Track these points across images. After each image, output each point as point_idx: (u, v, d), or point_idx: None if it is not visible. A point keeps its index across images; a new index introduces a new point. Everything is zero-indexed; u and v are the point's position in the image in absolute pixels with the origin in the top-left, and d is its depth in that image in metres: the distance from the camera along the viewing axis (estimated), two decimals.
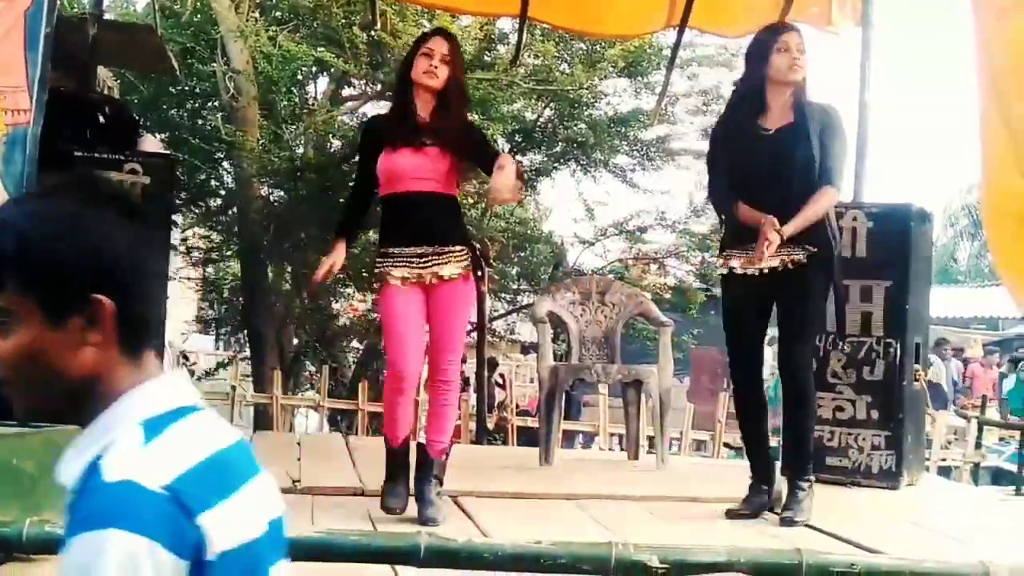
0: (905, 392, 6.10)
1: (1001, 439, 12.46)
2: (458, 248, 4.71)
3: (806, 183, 4.79)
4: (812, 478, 5.00)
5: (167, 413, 1.41)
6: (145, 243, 1.47)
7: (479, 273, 4.78)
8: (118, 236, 1.43)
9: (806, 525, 4.79)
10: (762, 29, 5.09)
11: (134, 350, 1.44)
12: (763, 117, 4.90)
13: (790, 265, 4.82)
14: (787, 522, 4.76)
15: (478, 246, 4.88)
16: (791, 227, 4.72)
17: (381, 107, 13.75)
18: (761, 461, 5.11)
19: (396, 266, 4.67)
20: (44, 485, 3.47)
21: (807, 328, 4.99)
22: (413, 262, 4.66)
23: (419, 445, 4.79)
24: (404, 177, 4.68)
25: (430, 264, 4.66)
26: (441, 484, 4.76)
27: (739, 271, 4.91)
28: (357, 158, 5.21)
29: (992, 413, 12.64)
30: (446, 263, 4.66)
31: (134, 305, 1.42)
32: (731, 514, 4.96)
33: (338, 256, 4.77)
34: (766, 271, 4.82)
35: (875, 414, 6.11)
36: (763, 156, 4.84)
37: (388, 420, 4.81)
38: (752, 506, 4.99)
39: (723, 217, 5.27)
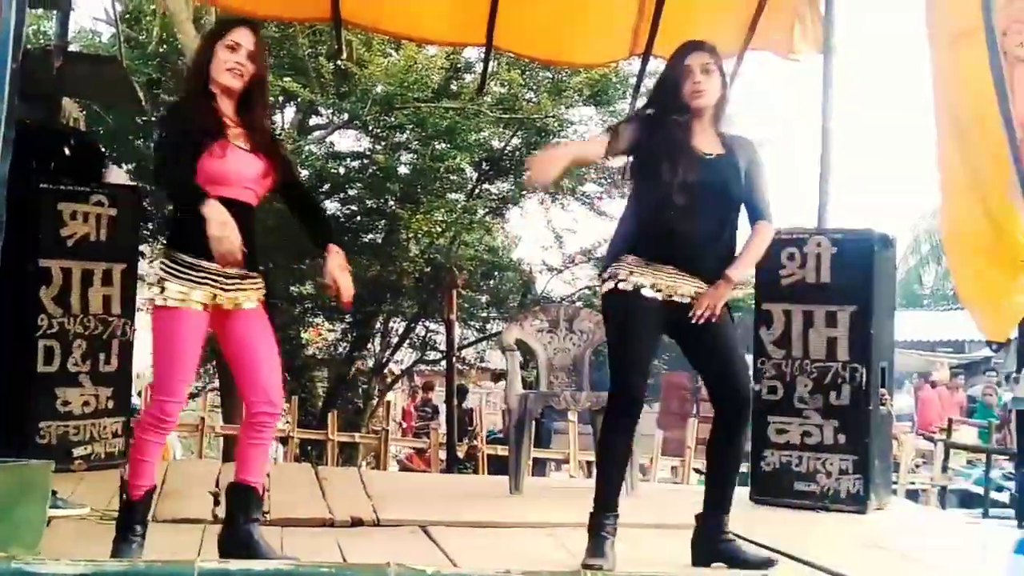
0: (872, 416, 6.14)
1: (969, 462, 12.56)
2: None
3: (729, 218, 4.41)
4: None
5: None
6: None
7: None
8: None
9: (775, 550, 4.78)
10: (676, 49, 4.53)
11: None
12: (690, 139, 4.41)
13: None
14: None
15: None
16: (739, 271, 4.38)
17: (348, 136, 13.81)
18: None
19: (197, 283, 3.98)
20: (9, 521, 3.45)
21: (742, 367, 4.48)
22: (218, 281, 4.01)
23: (245, 487, 4.17)
24: (228, 182, 4.04)
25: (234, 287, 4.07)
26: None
27: (648, 292, 4.32)
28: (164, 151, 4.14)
29: (961, 436, 12.73)
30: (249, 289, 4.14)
31: None
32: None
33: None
34: (678, 301, 4.33)
35: (842, 438, 6.14)
36: (706, 182, 4.33)
37: (137, 466, 4.04)
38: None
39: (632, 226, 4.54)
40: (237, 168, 4.04)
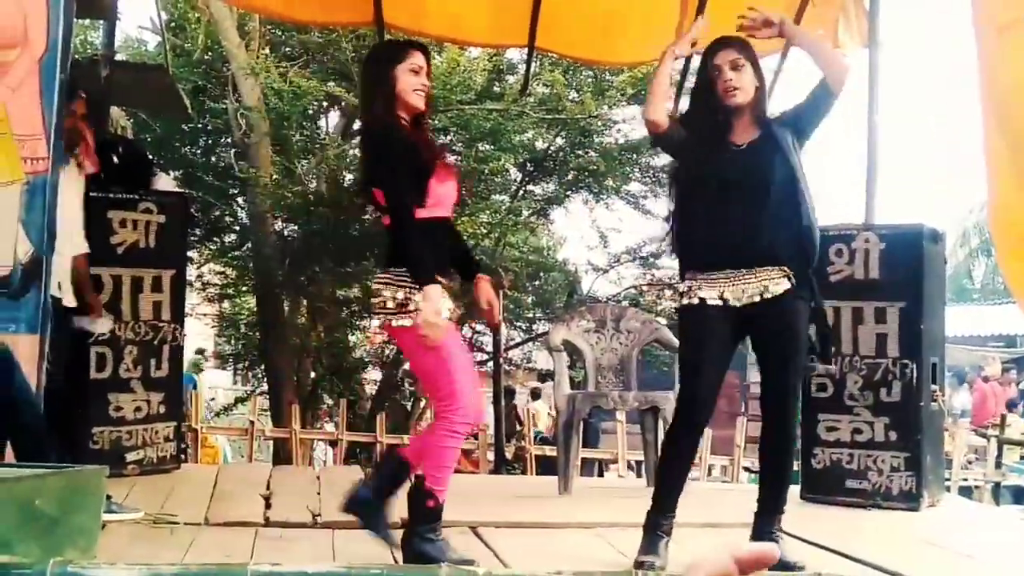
0: (923, 413, 6.09)
1: (1022, 458, 12.40)
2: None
3: (783, 195, 4.31)
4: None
5: None
6: None
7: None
8: None
9: (827, 548, 4.76)
10: (705, 50, 4.60)
11: None
12: (729, 135, 4.37)
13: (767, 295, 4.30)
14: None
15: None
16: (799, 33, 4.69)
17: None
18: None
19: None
20: (65, 526, 3.49)
21: (799, 361, 4.40)
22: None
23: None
24: (446, 202, 4.24)
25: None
26: None
27: (714, 302, 4.30)
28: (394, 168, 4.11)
29: (1014, 431, 12.57)
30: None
31: None
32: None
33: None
34: (745, 303, 4.29)
35: (893, 435, 6.10)
36: (741, 173, 4.30)
37: (448, 473, 4.18)
38: None
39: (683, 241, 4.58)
40: (454, 189, 4.26)
